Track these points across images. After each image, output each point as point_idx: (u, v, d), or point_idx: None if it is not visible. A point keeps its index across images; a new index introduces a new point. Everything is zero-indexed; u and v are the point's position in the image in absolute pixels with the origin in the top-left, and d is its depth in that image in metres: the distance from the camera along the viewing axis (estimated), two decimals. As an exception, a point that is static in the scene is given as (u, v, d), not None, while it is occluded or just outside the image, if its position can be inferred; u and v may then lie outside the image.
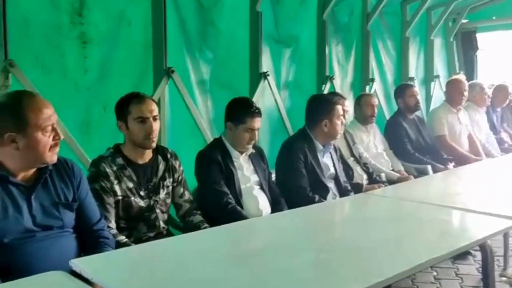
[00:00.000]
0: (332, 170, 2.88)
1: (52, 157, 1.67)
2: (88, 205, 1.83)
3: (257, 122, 2.47)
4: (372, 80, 4.61)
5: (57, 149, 1.69)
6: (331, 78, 4.09)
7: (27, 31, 2.42)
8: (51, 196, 1.71)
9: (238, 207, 2.36)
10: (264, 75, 3.48)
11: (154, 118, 2.09)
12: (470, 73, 6.23)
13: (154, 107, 2.11)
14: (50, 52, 2.53)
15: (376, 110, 3.68)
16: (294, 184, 2.68)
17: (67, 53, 2.60)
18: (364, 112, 3.64)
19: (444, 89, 5.00)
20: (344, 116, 3.01)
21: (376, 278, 1.27)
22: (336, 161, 2.94)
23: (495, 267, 2.85)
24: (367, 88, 4.55)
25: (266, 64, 3.56)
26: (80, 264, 1.43)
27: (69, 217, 1.75)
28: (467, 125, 4.31)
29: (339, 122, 2.83)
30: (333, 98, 2.94)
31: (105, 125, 2.67)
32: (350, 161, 3.28)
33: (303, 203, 2.47)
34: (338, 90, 4.03)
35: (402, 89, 4.09)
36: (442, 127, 4.11)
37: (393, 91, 4.36)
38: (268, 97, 3.59)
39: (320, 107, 2.85)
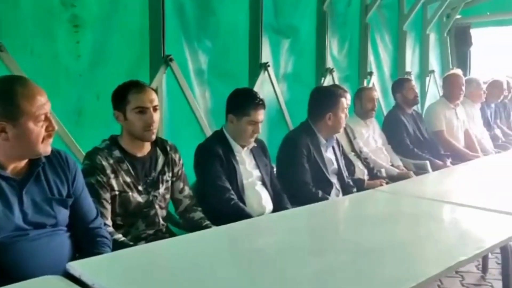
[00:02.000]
0: (335, 165, 2.79)
1: (45, 149, 1.54)
2: (84, 201, 1.71)
3: (261, 115, 2.36)
4: (371, 73, 4.52)
5: (51, 140, 1.57)
6: (331, 71, 3.99)
7: (16, 12, 2.26)
8: (44, 191, 1.57)
9: (241, 204, 2.25)
10: (265, 66, 3.36)
11: (155, 109, 1.96)
12: (463, 68, 6.20)
13: (155, 97, 1.98)
14: (40, 36, 2.38)
15: (376, 104, 3.60)
16: (297, 179, 2.59)
17: (58, 37, 2.45)
18: (364, 106, 3.55)
19: (440, 84, 4.96)
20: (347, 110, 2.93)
21: (408, 282, 1.18)
22: (339, 156, 2.85)
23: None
24: (365, 81, 4.46)
25: (265, 55, 3.44)
26: (79, 267, 1.30)
27: (63, 214, 1.62)
28: (464, 121, 4.27)
29: (343, 116, 2.75)
30: (338, 90, 2.85)
31: (98, 115, 2.53)
32: (351, 156, 3.20)
33: (306, 198, 2.40)
34: (336, 83, 3.93)
35: (400, 83, 4.01)
36: (440, 122, 4.06)
37: (390, 85, 4.28)
38: (267, 89, 3.47)
39: (324, 100, 2.75)
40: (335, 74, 4.08)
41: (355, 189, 2.80)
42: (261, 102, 2.36)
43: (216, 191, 2.24)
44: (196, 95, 3.06)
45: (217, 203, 2.22)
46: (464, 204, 2.01)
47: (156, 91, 2.51)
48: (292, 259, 1.44)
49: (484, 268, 3.12)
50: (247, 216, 2.15)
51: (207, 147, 2.35)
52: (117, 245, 1.77)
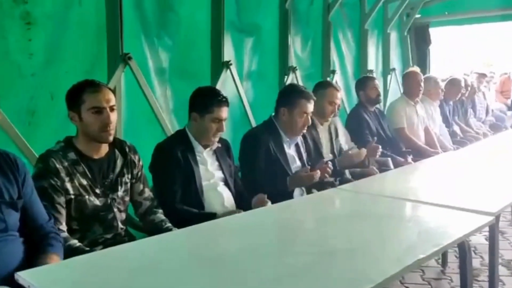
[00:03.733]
0: (298, 163, 2.78)
1: (-9, 152, 1.46)
2: (34, 204, 1.64)
3: (225, 112, 2.33)
4: (333, 72, 4.55)
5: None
6: (294, 69, 3.98)
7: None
8: (-8, 195, 1.49)
9: (186, 206, 2.20)
10: (227, 65, 3.32)
11: (111, 109, 1.89)
12: (423, 67, 6.34)
13: (111, 97, 1.91)
14: (-12, 33, 2.25)
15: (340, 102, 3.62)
16: (255, 177, 2.57)
17: (9, 34, 2.32)
18: (327, 104, 3.56)
19: (401, 82, 5.06)
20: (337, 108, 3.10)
21: (369, 282, 1.18)
22: (303, 153, 2.85)
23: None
24: (328, 80, 4.48)
25: (227, 53, 3.40)
26: (28, 277, 1.23)
27: (14, 218, 1.55)
28: (424, 118, 4.37)
29: (299, 120, 2.65)
30: (303, 90, 2.77)
31: (52, 116, 2.43)
32: (327, 157, 3.16)
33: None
34: (300, 81, 3.94)
35: (363, 82, 4.06)
36: (401, 119, 4.13)
37: (353, 83, 4.32)
38: (230, 88, 3.43)
39: (283, 94, 2.76)
40: (298, 72, 4.08)
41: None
42: (224, 99, 2.33)
43: (163, 194, 2.19)
44: (157, 95, 2.98)
45: (164, 207, 2.15)
46: (424, 202, 2.05)
47: (114, 90, 2.45)
48: (254, 262, 1.42)
49: (444, 263, 3.19)
50: (199, 217, 2.09)
51: (164, 147, 2.29)
52: (72, 251, 1.70)
